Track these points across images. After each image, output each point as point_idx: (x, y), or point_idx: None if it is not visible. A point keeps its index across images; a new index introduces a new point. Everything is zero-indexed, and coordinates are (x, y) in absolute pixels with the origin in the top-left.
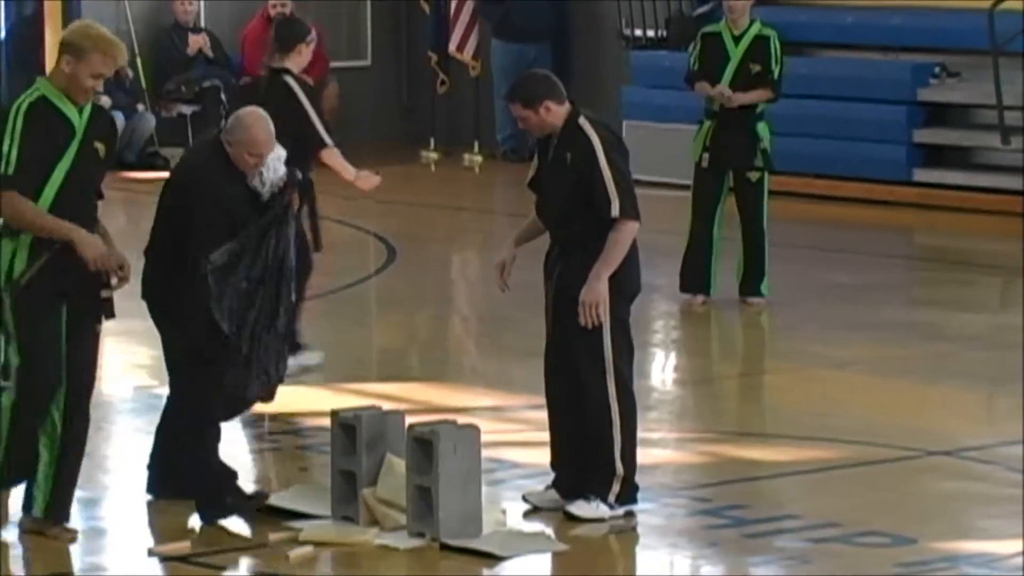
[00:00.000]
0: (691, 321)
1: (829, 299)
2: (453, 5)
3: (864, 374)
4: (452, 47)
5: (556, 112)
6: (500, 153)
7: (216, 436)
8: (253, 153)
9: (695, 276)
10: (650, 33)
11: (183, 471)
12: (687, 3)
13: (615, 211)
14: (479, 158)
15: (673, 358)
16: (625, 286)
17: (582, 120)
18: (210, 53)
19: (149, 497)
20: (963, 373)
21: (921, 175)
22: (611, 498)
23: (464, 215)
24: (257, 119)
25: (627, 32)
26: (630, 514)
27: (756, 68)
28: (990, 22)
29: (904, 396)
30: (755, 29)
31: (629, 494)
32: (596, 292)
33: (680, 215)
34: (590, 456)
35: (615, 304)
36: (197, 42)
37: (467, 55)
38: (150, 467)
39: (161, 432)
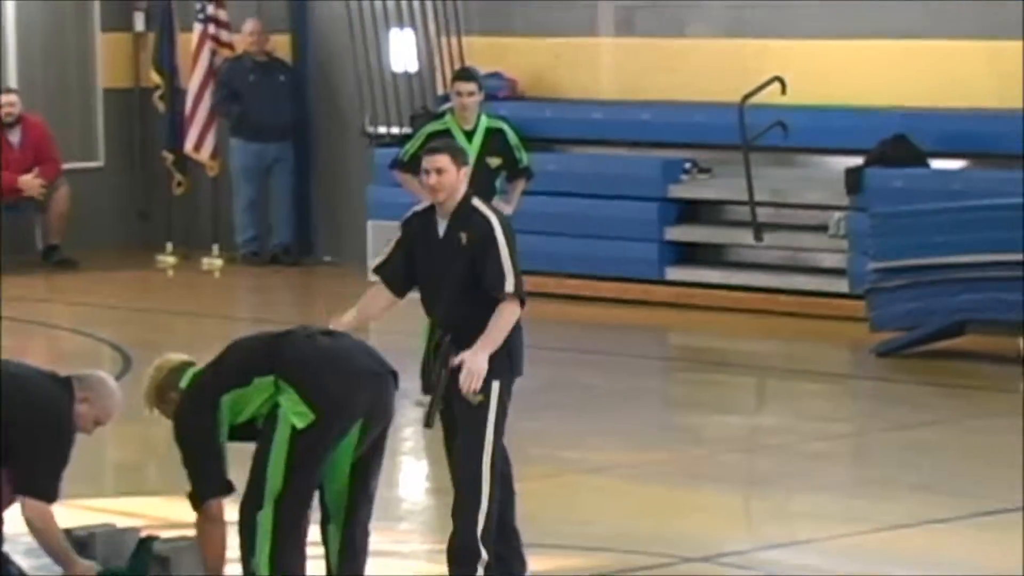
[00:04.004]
0: (435, 427)
1: (584, 402)
2: (189, 103)
3: (620, 479)
4: (189, 146)
5: (464, 185)
6: (240, 257)
7: None
8: (103, 422)
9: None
10: (395, 130)
11: None
12: (432, 99)
13: (509, 287)
14: (219, 262)
15: (425, 466)
16: (517, 368)
17: (476, 201)
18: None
19: None
20: (720, 477)
21: (674, 273)
22: None
23: (204, 322)
24: (119, 391)
25: (371, 129)
26: None
27: (496, 162)
28: (740, 117)
29: (661, 501)
30: (484, 122)
31: None
32: (480, 366)
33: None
34: (456, 536)
35: (505, 386)
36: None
37: (204, 155)
38: None
39: None
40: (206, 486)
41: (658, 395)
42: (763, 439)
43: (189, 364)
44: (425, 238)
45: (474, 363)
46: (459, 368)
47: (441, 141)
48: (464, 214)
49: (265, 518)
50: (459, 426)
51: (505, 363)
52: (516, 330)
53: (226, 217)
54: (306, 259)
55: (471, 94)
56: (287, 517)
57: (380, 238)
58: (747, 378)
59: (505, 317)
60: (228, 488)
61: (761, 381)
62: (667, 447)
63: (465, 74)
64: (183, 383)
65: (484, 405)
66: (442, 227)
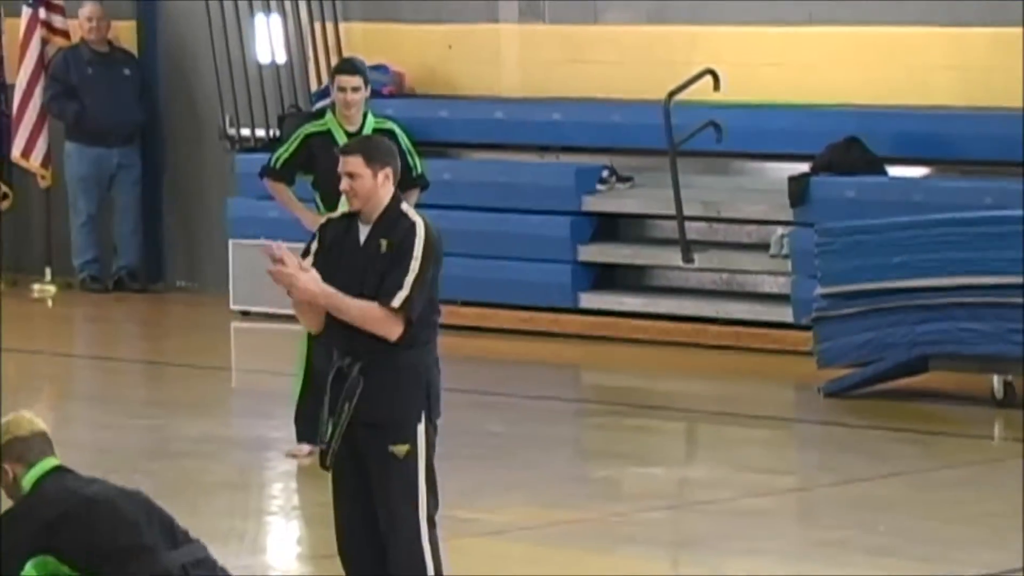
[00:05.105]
0: (308, 483)
1: (482, 452)
2: (16, 101)
3: (524, 543)
4: (16, 153)
5: (389, 188)
6: (78, 282)
7: None
8: None
9: (312, 422)
10: (260, 133)
11: None
12: (304, 96)
13: (398, 301)
14: (52, 288)
15: (296, 528)
16: (435, 410)
17: (405, 206)
18: None
19: None
20: (643, 538)
21: (589, 300)
22: None
23: (36, 360)
24: None
25: (232, 132)
26: None
27: None
28: (666, 117)
29: (572, 567)
30: (372, 123)
31: None
32: (308, 287)
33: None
34: None
35: (430, 429)
36: None
37: (35, 162)
38: None
39: None
40: (413, 311)
41: (570, 443)
42: (693, 494)
43: (43, 442)
44: (342, 246)
45: (304, 282)
46: (364, 403)
47: (359, 138)
48: (390, 219)
49: None
50: (380, 485)
51: (423, 402)
52: (434, 368)
53: (61, 235)
54: (156, 285)
55: (356, 89)
56: None
57: (243, 260)
58: (674, 423)
59: (374, 314)
60: None
61: (690, 426)
62: (580, 504)
63: (349, 66)
64: (26, 479)
65: (410, 456)
66: (364, 233)
